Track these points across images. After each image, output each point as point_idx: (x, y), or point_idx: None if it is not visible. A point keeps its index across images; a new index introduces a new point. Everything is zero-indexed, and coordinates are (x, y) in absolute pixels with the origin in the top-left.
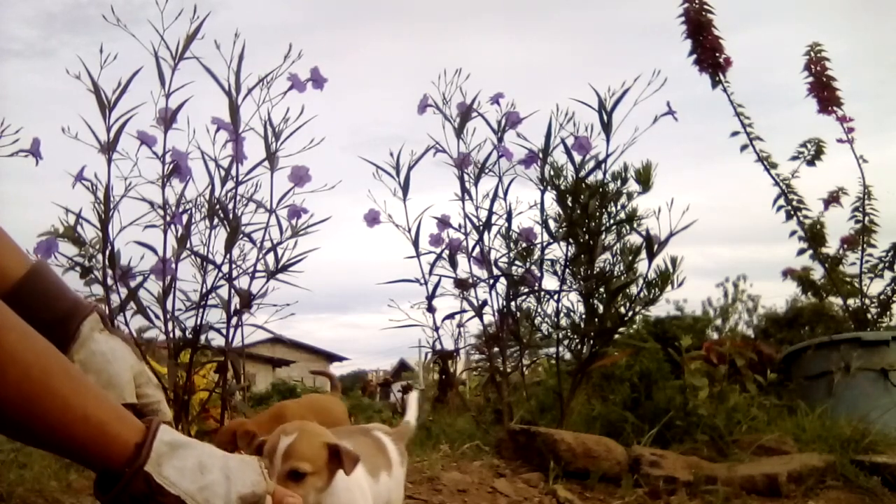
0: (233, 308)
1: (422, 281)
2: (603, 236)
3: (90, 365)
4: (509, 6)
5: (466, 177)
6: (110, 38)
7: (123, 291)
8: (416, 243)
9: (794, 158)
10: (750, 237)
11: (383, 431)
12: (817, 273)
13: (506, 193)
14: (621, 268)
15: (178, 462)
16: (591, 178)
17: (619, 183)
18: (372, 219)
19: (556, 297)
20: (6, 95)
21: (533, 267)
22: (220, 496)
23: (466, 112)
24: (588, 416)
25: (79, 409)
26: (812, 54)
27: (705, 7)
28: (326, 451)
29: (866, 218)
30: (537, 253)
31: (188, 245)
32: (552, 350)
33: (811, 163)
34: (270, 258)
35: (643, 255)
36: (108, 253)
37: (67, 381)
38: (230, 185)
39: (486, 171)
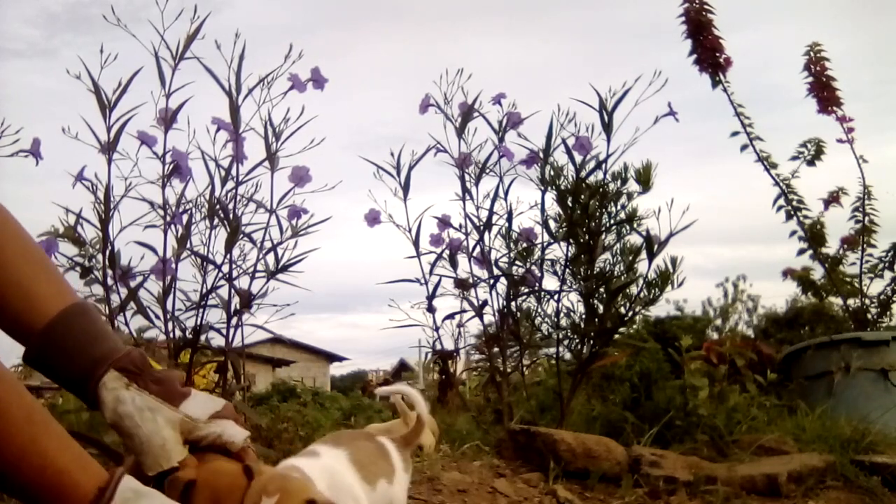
0: (233, 308)
1: (422, 281)
2: (603, 236)
3: (122, 430)
4: (510, 6)
5: (467, 177)
6: (111, 38)
7: (123, 291)
8: (416, 243)
9: (794, 158)
10: (750, 237)
11: (389, 438)
12: (817, 273)
13: (506, 193)
14: (621, 268)
15: (137, 496)
16: (591, 179)
17: (619, 183)
18: (372, 219)
19: (556, 297)
20: (6, 95)
21: (533, 267)
22: None
23: (468, 112)
24: (588, 416)
25: (35, 458)
26: (812, 54)
27: (705, 7)
28: None
29: (866, 218)
30: (537, 253)
31: (188, 245)
32: (552, 350)
33: (811, 163)
34: (270, 258)
35: (643, 255)
36: (108, 253)
37: (28, 428)
38: (230, 185)
39: (487, 170)
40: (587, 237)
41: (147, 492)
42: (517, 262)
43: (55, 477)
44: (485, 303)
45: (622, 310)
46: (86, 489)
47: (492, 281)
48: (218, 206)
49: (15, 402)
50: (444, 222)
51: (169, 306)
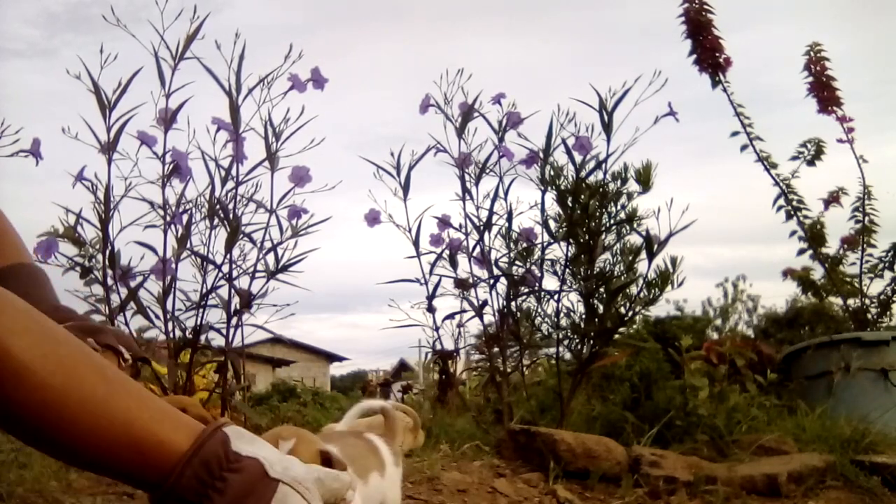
0: (233, 308)
1: (422, 281)
2: (603, 236)
3: None
4: (509, 6)
5: (467, 177)
6: (111, 38)
7: (123, 291)
8: (416, 243)
9: (794, 158)
10: (750, 237)
11: (375, 433)
12: (817, 273)
13: (506, 193)
14: (621, 268)
15: (248, 438)
16: (591, 179)
17: (619, 183)
18: (372, 219)
19: (556, 297)
20: (6, 95)
21: (533, 267)
22: (301, 467)
23: (468, 112)
24: (588, 416)
25: (119, 414)
26: (812, 54)
27: (705, 7)
28: (320, 460)
29: (866, 218)
30: (537, 253)
31: (188, 245)
32: (552, 350)
33: (811, 163)
34: (270, 258)
35: (643, 255)
36: (108, 253)
37: (103, 385)
38: (230, 185)
39: (487, 170)
40: (587, 237)
41: (251, 437)
42: (517, 262)
43: (143, 431)
44: (485, 303)
45: (622, 310)
46: (179, 443)
47: (492, 281)
48: (218, 206)
49: (82, 359)
50: (444, 222)
51: (169, 306)
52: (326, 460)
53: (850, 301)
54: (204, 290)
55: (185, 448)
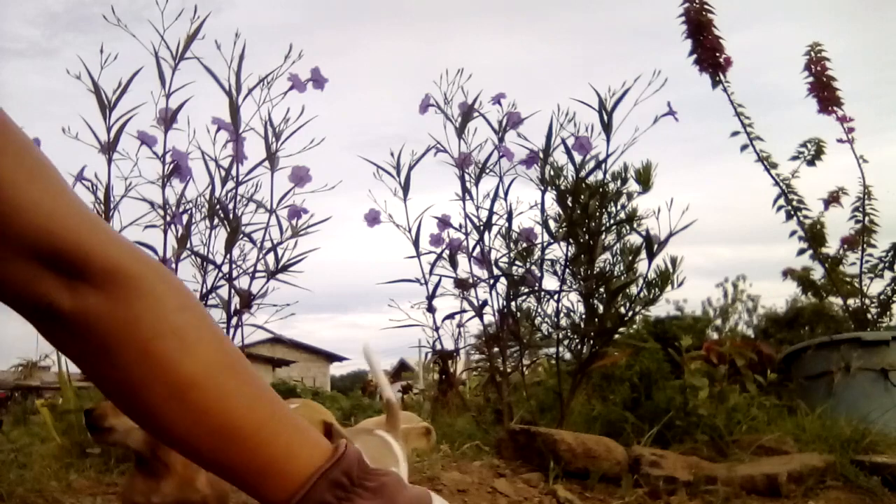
0: (233, 308)
1: (422, 281)
2: (603, 236)
3: None
4: (510, 6)
5: (467, 177)
6: (111, 38)
7: None
8: (416, 243)
9: (794, 158)
10: (750, 237)
11: (385, 430)
12: (817, 273)
13: (506, 193)
14: (621, 268)
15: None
16: (591, 179)
17: (619, 183)
18: (372, 219)
19: (556, 297)
20: (6, 95)
21: (533, 267)
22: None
23: (468, 112)
24: (588, 416)
25: (256, 419)
26: (812, 54)
27: (705, 7)
28: (323, 429)
29: (866, 218)
30: (537, 253)
31: (188, 245)
32: (552, 350)
33: (811, 163)
34: (270, 258)
35: (643, 255)
36: None
37: (251, 375)
38: (230, 185)
39: (487, 170)
40: (587, 237)
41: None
42: (517, 262)
43: (279, 437)
44: (485, 303)
45: (622, 310)
46: (309, 458)
47: (492, 281)
48: (218, 206)
49: (224, 348)
50: (444, 222)
51: None
52: (328, 432)
53: (850, 301)
54: (204, 290)
55: (314, 461)
